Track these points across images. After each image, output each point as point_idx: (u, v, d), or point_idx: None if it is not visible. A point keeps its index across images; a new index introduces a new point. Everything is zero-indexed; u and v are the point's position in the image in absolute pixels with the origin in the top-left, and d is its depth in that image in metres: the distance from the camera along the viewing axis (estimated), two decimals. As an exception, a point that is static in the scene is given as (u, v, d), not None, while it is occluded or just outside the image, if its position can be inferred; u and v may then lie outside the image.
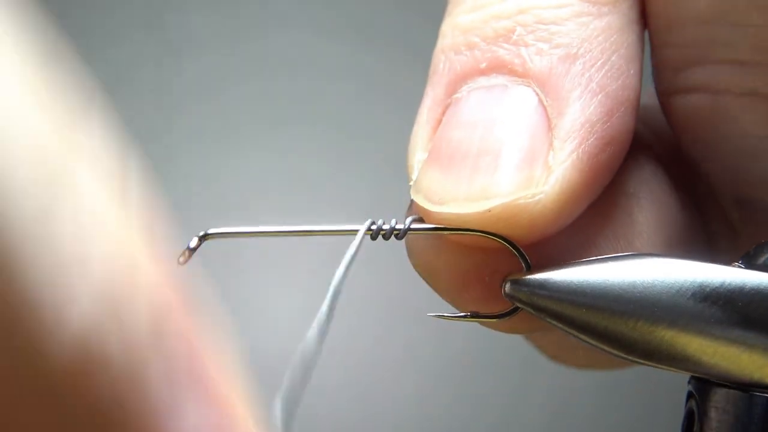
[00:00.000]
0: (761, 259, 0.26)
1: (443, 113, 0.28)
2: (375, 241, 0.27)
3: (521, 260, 0.27)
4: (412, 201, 0.27)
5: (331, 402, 0.95)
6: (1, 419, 0.15)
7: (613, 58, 0.27)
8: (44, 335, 0.15)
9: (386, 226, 0.27)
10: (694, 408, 0.27)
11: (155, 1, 1.02)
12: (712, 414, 0.26)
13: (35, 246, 0.15)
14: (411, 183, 0.27)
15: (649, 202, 0.29)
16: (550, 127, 0.26)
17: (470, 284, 0.27)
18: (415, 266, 0.28)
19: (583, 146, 0.26)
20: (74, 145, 0.16)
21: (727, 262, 0.26)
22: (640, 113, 0.29)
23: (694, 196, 0.31)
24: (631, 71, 0.27)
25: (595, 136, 0.26)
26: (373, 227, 0.27)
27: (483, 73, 0.27)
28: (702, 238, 0.31)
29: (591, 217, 0.27)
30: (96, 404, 0.16)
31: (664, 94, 0.30)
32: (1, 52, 0.15)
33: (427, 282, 0.28)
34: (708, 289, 0.26)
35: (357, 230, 0.27)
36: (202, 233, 0.24)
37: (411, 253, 0.28)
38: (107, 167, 0.16)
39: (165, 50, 1.04)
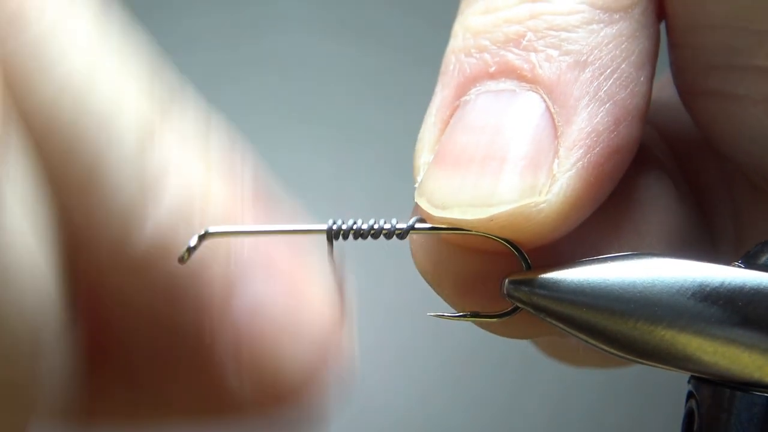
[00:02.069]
0: (761, 259, 0.26)
1: (451, 115, 0.28)
2: (376, 241, 0.27)
3: (521, 260, 0.27)
4: (416, 203, 0.27)
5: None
6: (97, 281, 0.22)
7: (623, 65, 0.27)
8: (127, 233, 0.22)
9: (387, 226, 0.27)
10: (694, 408, 0.27)
11: (153, 1, 1.02)
12: (712, 414, 0.26)
13: (130, 166, 0.22)
14: (416, 185, 0.27)
15: (653, 207, 0.29)
16: (556, 135, 0.26)
17: (473, 288, 0.27)
18: (419, 269, 0.28)
19: (588, 156, 0.26)
20: (168, 110, 0.23)
21: (727, 261, 0.26)
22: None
23: (698, 198, 0.31)
24: (641, 78, 0.27)
25: (601, 145, 0.26)
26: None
27: (492, 76, 0.27)
28: (706, 240, 0.31)
29: (594, 222, 0.27)
30: (171, 276, 0.22)
31: (684, 92, 0.30)
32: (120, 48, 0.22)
33: (431, 285, 0.28)
34: (708, 289, 0.26)
35: (369, 231, 0.27)
36: (201, 232, 0.25)
37: (414, 256, 0.28)
38: (194, 126, 0.24)
39: (164, 50, 1.04)
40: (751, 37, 0.27)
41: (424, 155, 0.28)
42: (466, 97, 0.27)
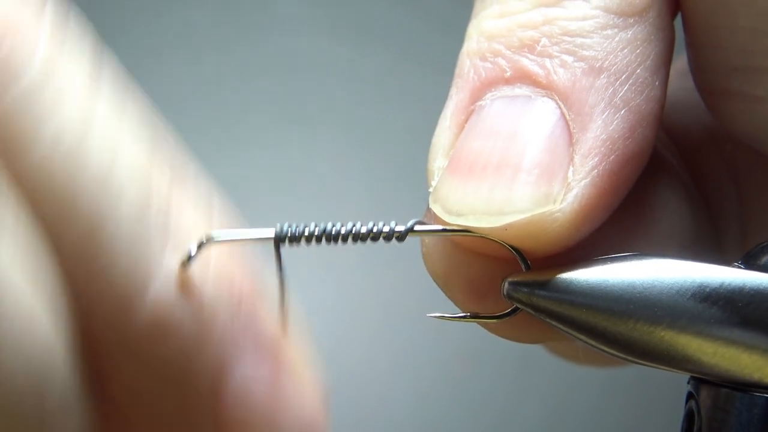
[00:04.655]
0: (761, 260, 0.26)
1: (466, 120, 0.27)
2: (376, 243, 0.27)
3: (520, 261, 0.27)
4: (428, 208, 0.27)
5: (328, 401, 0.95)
6: (97, 370, 0.21)
7: (639, 70, 0.27)
8: (129, 304, 0.21)
9: (386, 228, 0.27)
10: (694, 408, 0.27)
11: (155, 1, 1.02)
12: (712, 414, 0.26)
13: (133, 224, 0.21)
14: (430, 189, 0.27)
15: (663, 210, 0.29)
16: (571, 142, 0.26)
17: (485, 292, 0.27)
18: (431, 273, 0.28)
19: (604, 164, 0.26)
20: (167, 164, 0.22)
21: (727, 262, 0.26)
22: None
23: (705, 198, 0.31)
24: (656, 83, 0.27)
25: (616, 153, 0.26)
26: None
27: (507, 82, 0.27)
28: (713, 242, 0.31)
29: (603, 226, 0.27)
30: (168, 356, 0.21)
31: (703, 91, 0.30)
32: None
33: (442, 289, 0.28)
34: (708, 290, 0.26)
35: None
36: (202, 240, 0.24)
37: (426, 260, 0.28)
38: (194, 184, 0.23)
39: (165, 51, 1.04)
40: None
41: (438, 160, 0.27)
42: (481, 102, 0.27)
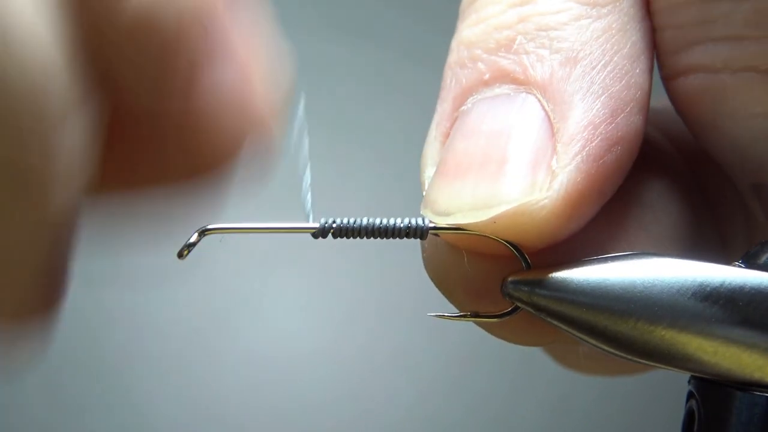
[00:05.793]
0: (762, 259, 0.26)
1: (451, 127, 0.28)
2: (375, 241, 0.27)
3: (521, 259, 0.27)
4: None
5: (327, 400, 0.95)
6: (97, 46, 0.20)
7: (616, 58, 0.27)
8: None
9: (401, 224, 0.27)
10: (694, 408, 0.27)
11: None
12: (713, 414, 0.26)
13: None
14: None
15: (663, 211, 0.29)
16: (553, 132, 0.26)
17: (485, 294, 0.28)
18: (431, 276, 0.28)
19: (587, 149, 0.26)
20: None
21: (728, 261, 0.26)
22: (653, 118, 0.29)
23: (709, 200, 0.31)
24: (637, 70, 0.27)
25: (599, 137, 0.26)
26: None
27: (487, 84, 0.27)
28: (716, 245, 0.31)
29: (602, 225, 0.27)
30: (147, 53, 0.21)
31: (667, 78, 0.30)
32: None
33: (442, 292, 0.28)
34: (708, 289, 0.26)
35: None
36: (201, 228, 0.25)
37: (427, 264, 0.28)
38: None
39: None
40: (727, 7, 0.27)
41: (427, 170, 0.28)
42: (464, 107, 0.28)
